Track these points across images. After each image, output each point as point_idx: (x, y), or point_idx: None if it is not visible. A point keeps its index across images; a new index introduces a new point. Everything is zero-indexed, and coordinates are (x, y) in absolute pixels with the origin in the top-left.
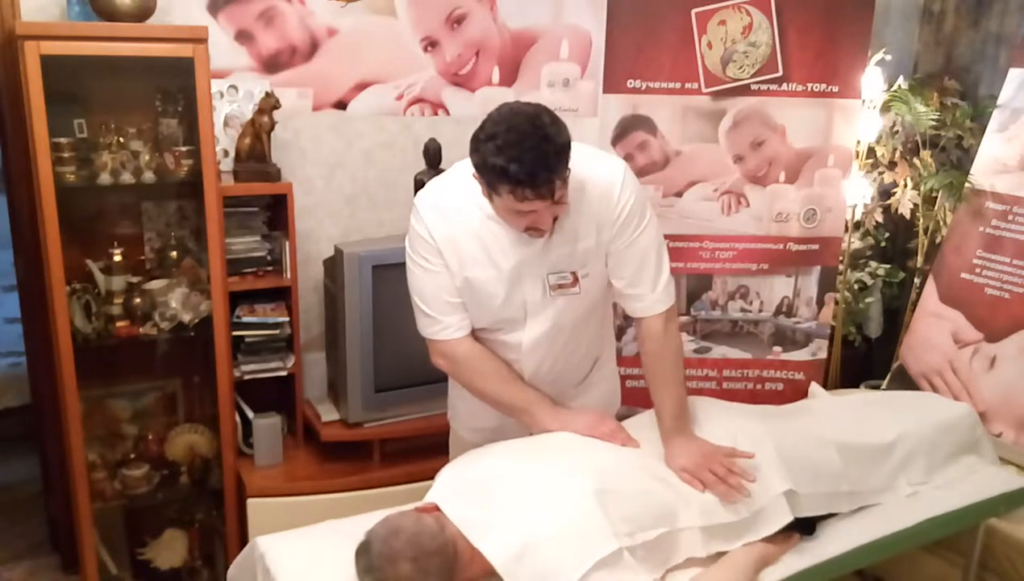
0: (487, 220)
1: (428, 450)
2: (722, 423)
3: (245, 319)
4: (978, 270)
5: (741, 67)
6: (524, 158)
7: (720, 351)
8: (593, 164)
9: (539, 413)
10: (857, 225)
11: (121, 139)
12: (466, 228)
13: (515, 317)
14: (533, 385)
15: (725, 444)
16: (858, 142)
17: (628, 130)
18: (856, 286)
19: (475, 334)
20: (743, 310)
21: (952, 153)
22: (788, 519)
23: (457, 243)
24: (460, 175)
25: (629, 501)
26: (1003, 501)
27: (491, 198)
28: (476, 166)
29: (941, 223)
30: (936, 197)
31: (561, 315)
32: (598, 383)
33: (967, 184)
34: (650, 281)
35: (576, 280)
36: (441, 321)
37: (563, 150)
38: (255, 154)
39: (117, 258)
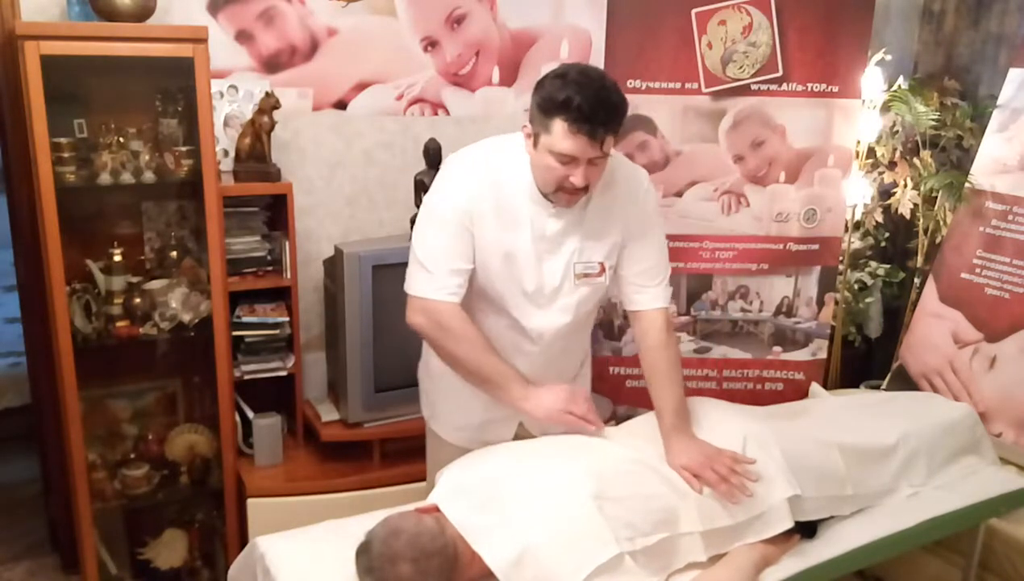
0: (525, 189)
1: None
2: (729, 425)
3: (245, 319)
4: (978, 270)
5: (741, 67)
6: (588, 94)
7: (720, 351)
8: (625, 162)
9: (514, 390)
10: (857, 225)
11: (121, 139)
12: (501, 193)
13: (534, 299)
14: (533, 376)
15: (733, 446)
16: (858, 142)
17: (628, 130)
18: (856, 286)
19: (493, 323)
20: (743, 310)
21: (952, 153)
22: (788, 524)
23: (495, 207)
24: (498, 144)
25: (630, 505)
26: (1003, 501)
27: (536, 142)
28: (536, 103)
29: (941, 223)
30: (936, 197)
31: (580, 306)
32: (579, 381)
33: (967, 184)
34: (660, 276)
35: (603, 269)
36: (440, 280)
37: (621, 107)
38: (255, 154)
39: (117, 258)
